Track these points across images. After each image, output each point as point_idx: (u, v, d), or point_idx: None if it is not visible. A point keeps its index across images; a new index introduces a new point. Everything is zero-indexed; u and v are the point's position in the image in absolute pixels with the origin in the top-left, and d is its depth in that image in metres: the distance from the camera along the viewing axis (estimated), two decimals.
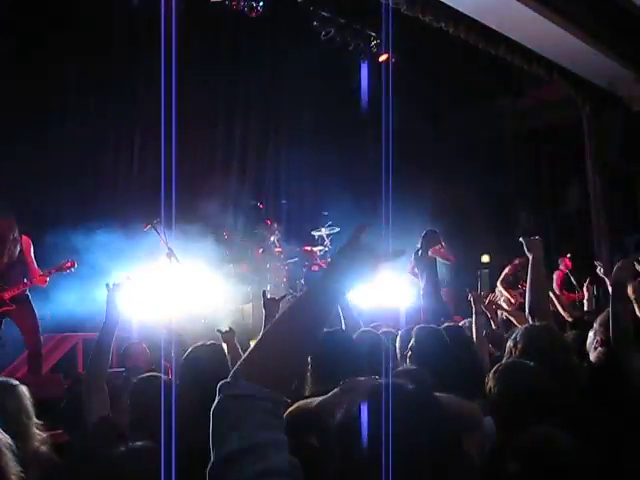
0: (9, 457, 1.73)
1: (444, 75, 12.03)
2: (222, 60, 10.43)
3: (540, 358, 2.42)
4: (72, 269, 6.28)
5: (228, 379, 1.23)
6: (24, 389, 2.83)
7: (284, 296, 3.30)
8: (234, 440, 1.14)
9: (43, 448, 2.72)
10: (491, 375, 2.36)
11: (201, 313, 7.31)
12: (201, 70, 9.71)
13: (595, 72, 10.79)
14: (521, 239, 3.57)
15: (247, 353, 1.28)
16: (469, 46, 9.67)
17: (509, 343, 2.94)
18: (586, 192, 12.43)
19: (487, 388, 2.34)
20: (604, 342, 3.02)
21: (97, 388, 2.87)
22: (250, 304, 8.55)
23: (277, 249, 9.33)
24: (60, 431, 2.95)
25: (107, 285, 3.11)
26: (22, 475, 1.78)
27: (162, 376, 2.96)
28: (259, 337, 1.30)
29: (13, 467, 1.73)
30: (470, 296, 5.11)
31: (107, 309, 3.03)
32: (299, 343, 1.29)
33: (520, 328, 3.01)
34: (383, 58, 10.48)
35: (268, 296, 3.59)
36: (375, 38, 10.20)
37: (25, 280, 6.01)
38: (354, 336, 3.53)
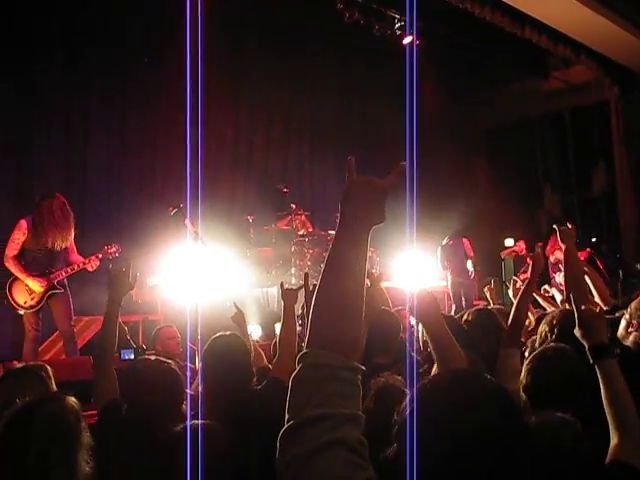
0: (84, 454, 1.82)
1: (469, 57, 11.92)
2: (246, 47, 10.43)
3: (576, 342, 2.39)
4: (117, 254, 6.27)
5: (306, 349, 1.26)
6: (49, 372, 2.89)
7: (301, 287, 3.29)
8: (310, 407, 1.17)
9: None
10: (529, 360, 2.33)
11: (226, 297, 7.37)
12: (224, 58, 9.74)
13: (624, 53, 10.63)
14: (555, 227, 3.56)
15: (310, 323, 1.29)
16: (495, 27, 9.57)
17: (543, 327, 2.92)
18: (613, 175, 12.29)
19: (525, 372, 2.32)
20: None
21: (104, 371, 2.89)
22: (275, 288, 8.60)
23: (305, 230, 9.34)
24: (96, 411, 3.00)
25: (109, 269, 3.13)
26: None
27: (159, 358, 2.96)
28: (312, 309, 1.30)
29: (82, 466, 1.82)
30: (487, 290, 5.13)
31: (109, 292, 3.05)
32: (349, 299, 1.29)
33: (555, 312, 2.97)
34: (407, 40, 10.40)
35: (285, 286, 3.61)
36: (399, 20, 10.12)
37: (65, 265, 6.08)
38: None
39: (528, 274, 3.66)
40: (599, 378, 2.08)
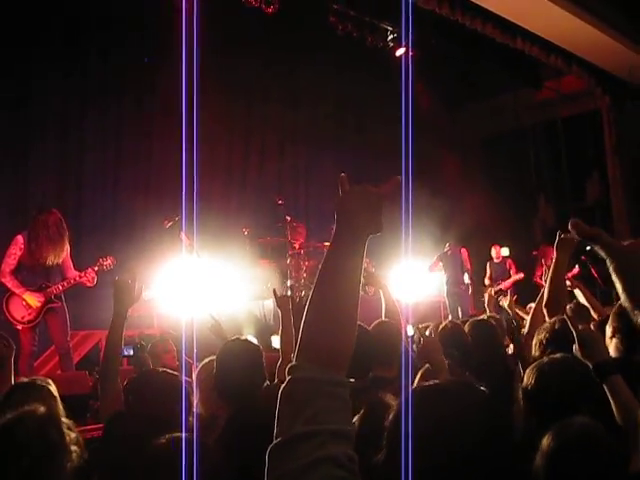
0: (72, 464, 1.79)
1: (462, 68, 11.98)
2: (240, 58, 10.45)
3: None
4: (112, 266, 6.26)
5: (295, 361, 1.24)
6: (53, 388, 2.88)
7: (290, 295, 3.33)
8: (299, 424, 1.16)
9: (74, 447, 2.76)
10: (532, 368, 2.33)
11: (221, 309, 7.36)
12: (219, 68, 9.75)
13: (614, 63, 10.70)
14: (558, 234, 3.55)
15: (300, 337, 1.27)
16: (487, 39, 9.63)
17: (539, 337, 2.91)
18: (607, 184, 12.34)
19: (527, 382, 2.31)
20: (616, 330, 2.98)
21: (110, 383, 2.88)
22: (270, 300, 8.58)
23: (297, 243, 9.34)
24: (92, 426, 2.99)
25: (114, 280, 3.12)
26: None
27: (164, 370, 2.96)
28: (304, 319, 1.28)
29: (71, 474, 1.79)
30: (486, 296, 5.14)
31: (114, 304, 3.03)
32: (341, 310, 1.27)
33: (549, 322, 2.97)
34: (400, 52, 10.46)
35: (278, 294, 3.61)
36: (392, 32, 10.18)
37: (61, 280, 6.07)
38: (371, 328, 3.56)
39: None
40: (608, 395, 2.11)
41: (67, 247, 6.08)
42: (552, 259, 3.48)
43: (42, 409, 1.90)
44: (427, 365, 2.68)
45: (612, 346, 2.97)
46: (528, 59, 10.64)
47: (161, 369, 3.02)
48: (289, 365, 1.24)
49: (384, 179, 1.39)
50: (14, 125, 8.44)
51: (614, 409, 2.09)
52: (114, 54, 9.26)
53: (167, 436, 2.09)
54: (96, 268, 6.15)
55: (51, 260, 5.92)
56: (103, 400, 2.87)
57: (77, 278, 6.08)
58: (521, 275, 10.33)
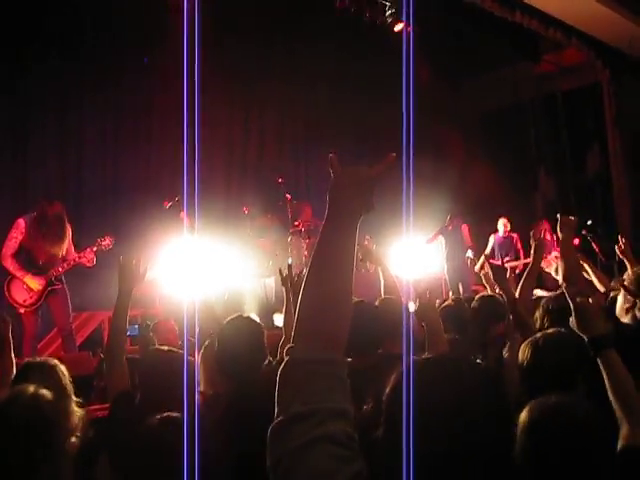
0: (64, 438, 1.78)
1: (460, 42, 11.89)
2: (238, 37, 10.38)
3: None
4: (110, 246, 6.26)
5: (292, 343, 1.26)
6: (63, 368, 2.91)
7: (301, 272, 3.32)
8: (297, 403, 1.18)
9: (80, 424, 2.79)
10: (527, 344, 2.34)
11: (223, 289, 7.38)
12: (219, 49, 9.69)
13: (614, 35, 10.61)
14: (558, 216, 3.59)
15: (297, 317, 1.29)
16: (485, 12, 9.55)
17: (539, 312, 2.93)
18: (607, 156, 12.30)
19: (522, 358, 2.32)
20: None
21: (116, 363, 2.89)
22: (272, 278, 8.61)
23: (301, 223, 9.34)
24: (97, 406, 3.01)
25: (119, 260, 3.12)
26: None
27: (174, 349, 2.98)
28: (300, 300, 1.30)
29: (65, 449, 1.78)
30: (482, 275, 5.14)
31: (119, 284, 3.05)
32: (336, 290, 1.29)
33: (550, 295, 2.98)
34: (398, 28, 10.38)
35: (284, 274, 3.63)
36: (390, 7, 10.09)
37: (62, 261, 6.08)
38: (376, 303, 3.57)
39: (530, 258, 3.70)
40: (601, 369, 2.12)
41: (67, 242, 6.08)
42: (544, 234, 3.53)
43: (33, 388, 1.90)
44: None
45: (629, 315, 2.99)
46: (527, 33, 10.55)
47: (166, 348, 3.04)
48: (287, 347, 1.27)
49: (384, 156, 1.39)
50: (13, 109, 8.42)
51: (606, 383, 2.10)
52: (112, 35, 9.19)
53: (160, 416, 2.11)
54: (95, 248, 6.17)
55: (48, 252, 5.93)
56: (109, 380, 2.90)
57: (76, 259, 6.09)
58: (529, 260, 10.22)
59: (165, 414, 2.12)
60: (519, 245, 10.45)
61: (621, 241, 5.14)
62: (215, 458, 1.93)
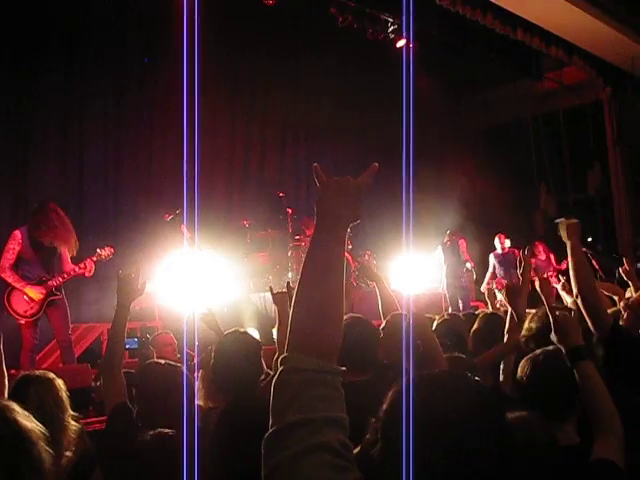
0: (42, 446, 1.73)
1: (462, 60, 11.96)
2: (241, 50, 10.43)
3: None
4: (110, 256, 6.26)
5: (285, 353, 1.26)
6: (60, 382, 2.89)
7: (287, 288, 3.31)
8: (292, 412, 1.17)
9: (76, 438, 2.78)
10: (527, 360, 2.34)
11: (223, 302, 7.37)
12: (220, 61, 9.75)
13: (616, 53, 10.67)
14: (557, 221, 3.55)
15: (290, 327, 1.29)
16: (488, 30, 9.61)
17: (528, 325, 2.92)
18: (608, 175, 12.32)
19: (522, 372, 2.32)
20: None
21: (113, 376, 2.87)
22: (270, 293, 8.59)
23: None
24: (94, 419, 3.00)
25: (118, 273, 3.12)
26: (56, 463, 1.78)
27: (167, 362, 2.97)
28: (292, 310, 1.31)
29: (47, 456, 1.73)
30: (486, 292, 5.13)
31: (117, 297, 3.04)
32: (327, 300, 1.30)
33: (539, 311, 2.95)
34: (400, 44, 10.43)
35: (275, 291, 3.61)
36: (392, 24, 10.15)
37: (59, 274, 6.07)
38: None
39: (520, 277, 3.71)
40: (577, 379, 2.15)
41: (73, 234, 6.10)
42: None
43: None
44: None
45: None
46: (529, 50, 10.62)
47: (163, 361, 3.03)
48: (281, 356, 1.26)
49: (385, 171, 1.40)
50: (14, 118, 8.44)
51: (581, 394, 2.13)
52: (114, 45, 9.24)
53: (153, 432, 2.09)
54: (94, 258, 6.17)
55: (54, 244, 5.95)
56: (106, 393, 2.88)
57: (76, 270, 6.09)
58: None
59: (158, 430, 2.11)
60: None
61: (626, 262, 5.15)
62: (211, 473, 1.92)
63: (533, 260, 10.41)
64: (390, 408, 1.25)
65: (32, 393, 2.75)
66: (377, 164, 1.43)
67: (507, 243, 10.82)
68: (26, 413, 1.78)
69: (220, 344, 3.06)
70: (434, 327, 4.40)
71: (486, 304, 5.54)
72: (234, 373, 2.88)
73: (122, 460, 2.52)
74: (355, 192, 1.39)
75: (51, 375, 2.93)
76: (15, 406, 1.76)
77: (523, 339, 2.86)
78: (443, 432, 1.16)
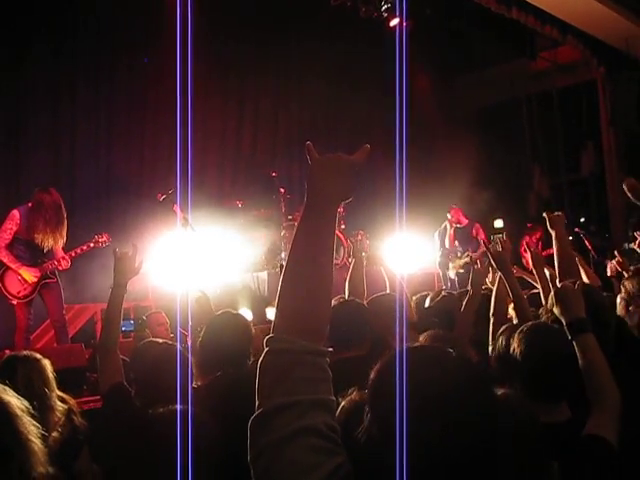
0: (27, 419, 1.72)
1: (456, 39, 11.90)
2: (232, 29, 10.35)
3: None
4: (107, 243, 6.25)
5: (272, 334, 1.24)
6: (47, 362, 2.89)
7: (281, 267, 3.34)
8: (278, 394, 1.16)
9: (63, 419, 2.78)
10: (516, 336, 2.29)
11: (216, 282, 7.38)
12: (212, 41, 9.67)
13: (611, 33, 10.63)
14: (544, 215, 3.62)
15: (277, 307, 1.27)
16: (482, 9, 9.55)
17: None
18: (601, 155, 12.33)
19: (511, 349, 2.28)
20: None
21: (109, 356, 2.86)
22: (265, 272, 8.60)
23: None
24: (89, 397, 2.99)
25: (114, 251, 3.10)
26: (45, 435, 1.77)
27: (162, 341, 2.97)
28: (279, 290, 1.28)
29: (33, 430, 1.73)
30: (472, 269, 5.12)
31: (114, 276, 3.03)
32: (316, 278, 1.27)
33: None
34: (394, 23, 10.37)
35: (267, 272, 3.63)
36: (385, 2, 10.08)
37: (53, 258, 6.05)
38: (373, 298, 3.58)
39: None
40: (577, 353, 2.13)
41: (64, 234, 6.05)
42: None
43: None
44: None
45: (635, 320, 3.01)
46: (523, 29, 10.56)
47: (161, 340, 3.03)
48: (267, 337, 1.24)
49: (378, 151, 1.39)
50: (5, 103, 8.37)
51: (581, 367, 2.10)
52: (103, 25, 9.16)
53: (164, 408, 2.10)
54: (91, 244, 6.15)
55: (45, 243, 5.89)
56: (103, 372, 2.87)
57: (70, 257, 6.07)
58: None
59: (169, 407, 2.11)
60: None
61: (618, 256, 5.19)
62: (202, 451, 1.92)
63: (527, 238, 10.40)
64: (378, 379, 1.22)
65: (20, 373, 2.74)
66: (369, 145, 1.40)
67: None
68: (6, 388, 1.77)
69: (210, 323, 3.05)
70: (427, 305, 4.43)
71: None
72: (222, 351, 2.87)
73: (120, 437, 2.52)
74: (347, 169, 1.36)
75: (38, 356, 2.93)
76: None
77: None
78: (432, 402, 1.13)
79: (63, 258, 6.06)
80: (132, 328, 6.17)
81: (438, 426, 1.11)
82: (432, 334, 3.08)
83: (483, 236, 9.33)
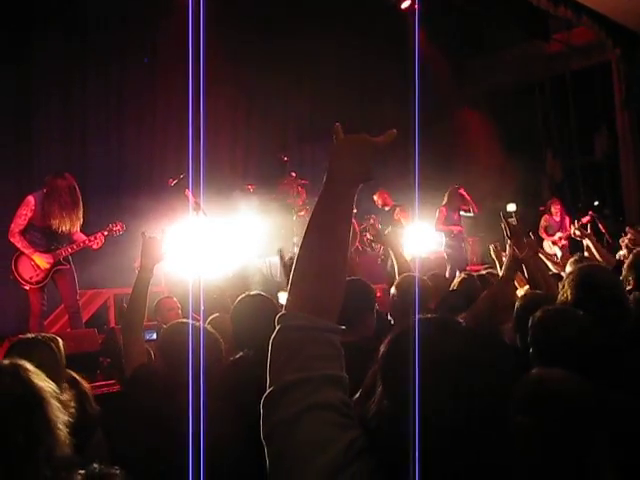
0: (56, 406, 1.73)
1: (470, 22, 11.79)
2: (243, 16, 10.32)
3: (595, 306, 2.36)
4: (121, 232, 6.27)
5: (284, 310, 1.24)
6: (60, 344, 2.89)
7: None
8: (290, 371, 1.16)
9: (71, 402, 2.78)
10: (534, 321, 2.28)
11: (228, 268, 7.39)
12: (223, 27, 9.63)
13: (625, 14, 10.49)
14: (508, 239, 3.43)
15: (290, 285, 1.27)
16: None
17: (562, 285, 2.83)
18: (615, 138, 12.21)
19: (530, 334, 2.26)
20: (635, 284, 2.96)
21: (134, 338, 2.86)
22: (277, 257, 8.60)
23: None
24: (102, 382, 2.99)
25: (143, 234, 3.09)
26: (70, 422, 1.78)
27: (191, 322, 2.96)
28: (293, 267, 1.28)
29: (61, 416, 1.74)
30: (492, 250, 5.08)
31: (142, 259, 3.02)
32: (331, 257, 1.27)
33: (575, 269, 2.87)
34: (405, 5, 10.28)
35: (286, 258, 3.61)
36: None
37: (69, 242, 6.07)
38: None
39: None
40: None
41: (80, 217, 6.06)
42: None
43: (6, 362, 1.85)
44: None
45: (630, 298, 2.97)
46: (537, 11, 10.43)
47: (186, 320, 3.00)
48: (279, 314, 1.24)
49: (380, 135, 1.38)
50: (16, 89, 8.38)
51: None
52: (117, 14, 9.15)
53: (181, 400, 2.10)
54: (105, 233, 6.17)
55: (62, 227, 5.90)
56: (127, 354, 2.84)
57: (86, 242, 6.08)
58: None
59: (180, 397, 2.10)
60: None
61: (630, 232, 5.15)
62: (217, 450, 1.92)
63: (547, 217, 10.33)
64: (389, 351, 1.21)
65: (35, 356, 2.74)
66: (395, 130, 1.39)
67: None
68: (38, 371, 1.78)
69: (235, 309, 3.04)
70: (453, 287, 4.38)
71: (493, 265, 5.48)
72: (256, 333, 2.86)
73: (137, 427, 2.51)
74: (369, 150, 1.35)
75: (46, 337, 2.93)
76: (28, 365, 1.76)
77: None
78: (445, 370, 1.12)
79: (95, 237, 6.07)
80: (155, 336, 6.17)
81: (448, 393, 1.10)
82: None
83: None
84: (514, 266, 3.38)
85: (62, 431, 1.70)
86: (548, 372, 1.76)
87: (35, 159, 8.46)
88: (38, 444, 1.62)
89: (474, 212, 9.47)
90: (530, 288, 3.34)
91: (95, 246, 6.13)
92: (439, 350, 1.14)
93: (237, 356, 2.81)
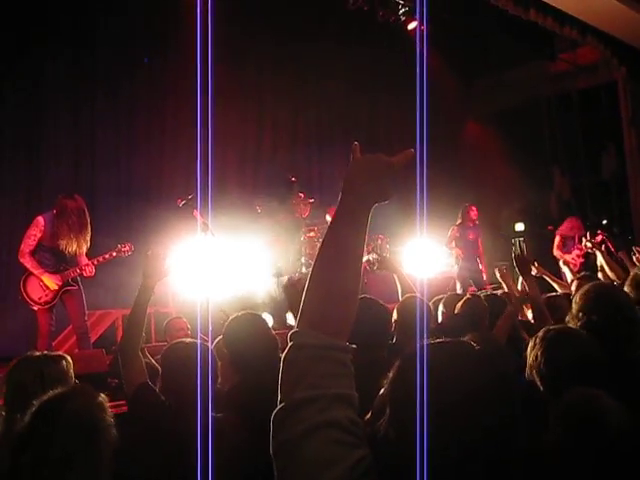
0: (110, 437, 1.82)
1: (476, 41, 11.85)
2: (251, 34, 10.39)
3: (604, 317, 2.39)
4: (130, 253, 6.30)
5: (296, 328, 1.24)
6: (69, 361, 2.89)
7: (300, 278, 3.29)
8: (300, 389, 1.16)
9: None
10: (537, 341, 2.27)
11: (236, 287, 7.38)
12: (231, 47, 9.71)
13: (630, 32, 10.51)
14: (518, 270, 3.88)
15: (302, 302, 1.27)
16: (500, 11, 9.50)
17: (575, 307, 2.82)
18: (622, 156, 12.20)
19: (533, 354, 2.25)
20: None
21: (132, 356, 2.85)
22: (285, 277, 8.60)
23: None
24: (110, 403, 2.97)
25: (147, 254, 3.09)
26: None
27: (197, 341, 2.95)
28: (306, 286, 1.28)
29: (109, 450, 1.82)
30: (497, 272, 5.07)
31: (143, 278, 3.02)
32: (345, 276, 1.27)
33: (584, 288, 2.86)
34: (412, 26, 10.35)
35: (287, 282, 3.61)
36: (403, 6, 10.07)
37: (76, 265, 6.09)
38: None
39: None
40: None
41: (88, 239, 6.08)
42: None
43: (89, 388, 1.94)
44: None
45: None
46: (542, 31, 10.48)
47: (189, 340, 3.00)
48: (290, 332, 1.24)
49: (397, 154, 1.38)
50: (26, 109, 8.46)
51: None
52: (126, 34, 9.24)
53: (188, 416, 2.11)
54: (114, 254, 6.19)
55: (69, 249, 5.93)
56: (126, 374, 2.84)
57: (81, 267, 6.09)
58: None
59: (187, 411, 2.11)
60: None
61: (637, 252, 5.16)
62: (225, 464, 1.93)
63: (561, 232, 10.24)
64: (397, 376, 1.23)
65: (28, 370, 2.74)
66: (413, 150, 1.39)
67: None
68: (104, 399, 1.87)
69: (228, 327, 3.03)
70: (457, 310, 4.38)
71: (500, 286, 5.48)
72: (250, 352, 2.86)
73: (144, 445, 2.50)
74: (385, 170, 1.35)
75: (55, 355, 2.93)
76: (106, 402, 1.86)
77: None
78: (454, 394, 1.13)
79: (87, 265, 6.10)
80: None
81: (453, 431, 1.11)
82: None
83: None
84: (524, 301, 3.77)
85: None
86: (594, 394, 1.76)
87: (45, 180, 8.51)
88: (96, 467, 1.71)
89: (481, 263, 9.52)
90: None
91: (86, 274, 6.13)
92: (447, 381, 1.15)
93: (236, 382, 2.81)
